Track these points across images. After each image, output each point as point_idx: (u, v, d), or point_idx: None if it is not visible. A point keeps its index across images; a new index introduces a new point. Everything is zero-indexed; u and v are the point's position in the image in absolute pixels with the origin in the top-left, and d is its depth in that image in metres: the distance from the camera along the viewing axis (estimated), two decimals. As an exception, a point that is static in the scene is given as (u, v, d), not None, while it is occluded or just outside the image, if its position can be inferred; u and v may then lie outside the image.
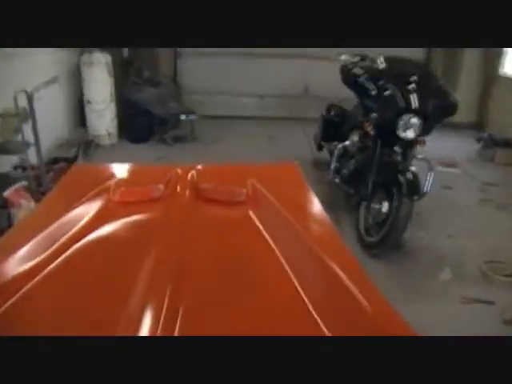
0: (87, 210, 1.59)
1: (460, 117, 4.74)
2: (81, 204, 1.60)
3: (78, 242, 1.41)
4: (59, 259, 1.32)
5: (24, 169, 3.97)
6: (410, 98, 3.68)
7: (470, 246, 4.04)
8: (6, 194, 3.52)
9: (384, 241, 3.66)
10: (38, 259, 1.28)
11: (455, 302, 3.29)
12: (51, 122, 5.23)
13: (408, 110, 3.67)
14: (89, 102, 6.30)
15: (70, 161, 4.87)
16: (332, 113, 5.32)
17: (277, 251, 1.38)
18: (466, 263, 3.79)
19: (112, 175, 1.90)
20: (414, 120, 3.66)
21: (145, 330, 0.97)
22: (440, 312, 3.15)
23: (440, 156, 5.81)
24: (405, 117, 3.66)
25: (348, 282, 1.14)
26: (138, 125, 6.53)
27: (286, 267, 1.30)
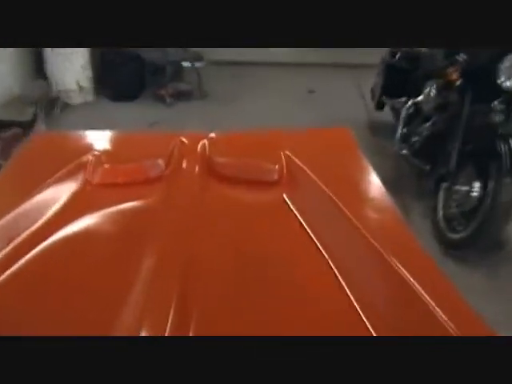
0: (56, 196, 1.60)
1: None
2: (46, 188, 1.62)
3: (42, 241, 1.42)
4: (18, 263, 1.32)
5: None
6: None
7: None
8: None
9: (474, 238, 3.63)
10: None
11: None
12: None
13: None
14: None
15: (25, 126, 4.89)
16: (398, 56, 5.26)
17: (321, 249, 1.39)
18: None
19: (90, 147, 1.91)
20: None
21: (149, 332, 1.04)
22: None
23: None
24: (510, 57, 3.57)
25: (423, 293, 1.14)
26: (124, 75, 6.55)
27: (336, 272, 1.30)
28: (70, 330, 1.11)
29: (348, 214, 1.44)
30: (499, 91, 3.66)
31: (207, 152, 1.82)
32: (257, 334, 1.11)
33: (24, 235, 1.42)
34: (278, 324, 1.17)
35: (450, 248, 3.82)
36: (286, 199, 1.64)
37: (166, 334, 1.04)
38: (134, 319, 1.10)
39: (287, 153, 1.81)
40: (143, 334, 1.04)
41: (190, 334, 1.09)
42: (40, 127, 5.17)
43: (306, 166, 1.73)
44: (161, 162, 1.76)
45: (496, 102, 3.72)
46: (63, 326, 1.14)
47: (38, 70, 6.43)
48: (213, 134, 1.98)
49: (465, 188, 3.81)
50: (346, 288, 1.25)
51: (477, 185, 3.71)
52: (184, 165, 1.74)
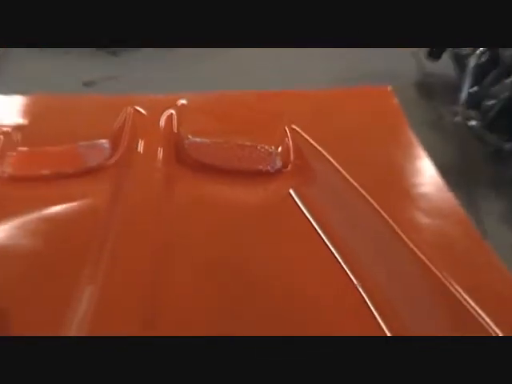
0: None
1: None
2: None
3: None
4: None
5: None
6: None
7: None
8: None
9: None
10: None
11: None
12: None
13: None
14: None
15: None
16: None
17: (346, 268, 1.41)
18: None
19: None
20: None
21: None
22: None
23: None
24: None
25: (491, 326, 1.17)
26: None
27: (367, 299, 1.33)
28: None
29: (383, 214, 1.46)
30: None
31: (175, 127, 1.83)
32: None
33: None
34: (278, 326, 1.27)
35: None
36: (294, 195, 1.65)
37: None
38: None
39: (295, 127, 1.82)
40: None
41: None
42: None
43: (321, 146, 1.74)
44: (105, 142, 1.77)
45: None
46: None
47: None
48: (183, 100, 1.98)
49: None
50: (377, 317, 1.28)
51: None
52: (140, 147, 1.75)
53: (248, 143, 1.80)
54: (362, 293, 1.32)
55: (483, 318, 1.19)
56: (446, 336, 1.18)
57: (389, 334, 1.27)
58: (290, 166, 1.74)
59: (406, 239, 1.38)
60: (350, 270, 1.38)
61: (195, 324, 1.28)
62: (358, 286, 1.33)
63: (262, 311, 1.31)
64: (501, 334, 1.17)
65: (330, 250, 1.45)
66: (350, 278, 1.35)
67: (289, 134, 1.79)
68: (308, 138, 1.76)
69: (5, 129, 1.84)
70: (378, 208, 1.47)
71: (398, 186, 1.69)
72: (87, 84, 5.70)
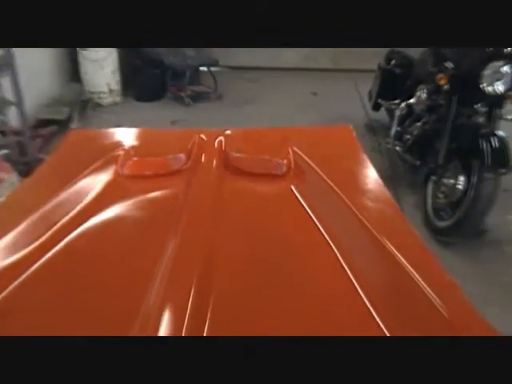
0: (90, 187, 1.61)
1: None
2: (82, 179, 1.62)
3: (79, 226, 1.43)
4: (56, 247, 1.33)
5: (3, 133, 3.98)
6: None
7: None
8: (-19, 165, 3.57)
9: (459, 226, 3.65)
10: (29, 247, 1.30)
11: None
12: (37, 75, 5.23)
13: (498, 55, 3.54)
14: (83, 49, 6.22)
15: (62, 124, 4.90)
16: (393, 62, 5.27)
17: (326, 236, 1.39)
18: None
19: (119, 142, 1.91)
20: (506, 68, 3.52)
21: (166, 331, 0.98)
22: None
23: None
24: (493, 64, 3.54)
25: (417, 276, 1.13)
26: (148, 79, 6.59)
27: (337, 254, 1.31)
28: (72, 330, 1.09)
29: (349, 203, 1.45)
30: (482, 95, 3.66)
31: (223, 147, 1.82)
32: (268, 315, 1.13)
33: (62, 221, 1.43)
34: (287, 304, 1.16)
35: (437, 234, 3.83)
36: (294, 190, 1.64)
37: (187, 312, 1.03)
38: (158, 297, 1.10)
39: (294, 148, 1.81)
40: (165, 313, 1.03)
41: (209, 315, 1.08)
42: (74, 125, 5.18)
43: (311, 160, 1.73)
44: (182, 156, 1.78)
45: (479, 105, 3.78)
46: (64, 325, 1.12)
47: (73, 74, 6.48)
48: (228, 131, 1.97)
49: (451, 181, 3.80)
50: (347, 269, 1.25)
51: (462, 178, 3.71)
52: (203, 159, 1.75)
53: (266, 157, 1.83)
54: (340, 259, 1.30)
55: (403, 262, 1.18)
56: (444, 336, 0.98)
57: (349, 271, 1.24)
58: (291, 172, 1.74)
59: (360, 216, 1.38)
60: (332, 241, 1.36)
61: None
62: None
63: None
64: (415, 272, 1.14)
65: (317, 227, 1.43)
66: (339, 261, 1.29)
67: (290, 152, 1.79)
68: (302, 155, 1.77)
69: (125, 147, 1.84)
70: (345, 199, 1.47)
71: (357, 185, 1.70)
72: (173, 122, 5.72)
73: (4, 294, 1.15)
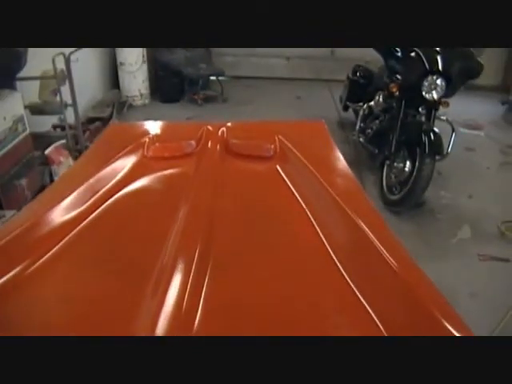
0: (123, 166, 1.61)
1: (485, 79, 4.63)
2: (117, 159, 1.62)
3: (114, 195, 1.46)
4: (99, 209, 1.37)
5: (63, 128, 4.02)
6: (435, 60, 3.65)
7: (490, 206, 4.00)
8: (47, 152, 3.61)
9: (405, 199, 3.67)
10: (77, 210, 1.32)
11: (473, 258, 3.29)
12: (87, 84, 5.28)
13: (433, 71, 3.63)
14: (122, 63, 6.31)
15: (105, 120, 4.91)
16: (358, 74, 5.25)
17: (302, 204, 1.40)
18: (484, 223, 3.76)
19: (146, 132, 1.91)
20: (439, 81, 3.64)
21: (177, 276, 1.00)
22: (458, 268, 3.16)
23: (464, 118, 5.69)
24: (430, 78, 3.64)
25: (371, 235, 1.13)
26: (170, 85, 6.54)
27: (311, 219, 1.32)
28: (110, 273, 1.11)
29: (321, 180, 1.43)
30: (423, 100, 3.75)
31: (225, 136, 1.82)
32: (257, 264, 1.14)
33: (102, 191, 1.45)
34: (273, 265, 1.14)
35: (389, 205, 3.84)
36: (279, 169, 1.64)
37: (195, 257, 1.05)
38: (173, 247, 1.12)
39: (280, 137, 1.79)
40: (179, 258, 1.05)
41: (211, 261, 1.09)
42: (114, 121, 5.18)
43: (292, 146, 1.71)
44: (193, 142, 1.77)
45: (421, 108, 3.85)
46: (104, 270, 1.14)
47: (114, 83, 6.49)
48: (229, 124, 1.95)
49: (400, 165, 3.83)
50: (319, 233, 1.25)
51: (408, 163, 3.74)
52: (209, 144, 1.74)
53: (258, 143, 1.80)
54: (314, 222, 1.30)
55: (361, 223, 1.17)
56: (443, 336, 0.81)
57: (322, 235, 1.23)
58: (277, 155, 1.73)
59: (330, 190, 1.36)
60: (308, 209, 1.37)
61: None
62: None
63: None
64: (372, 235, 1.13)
65: (297, 198, 1.44)
66: (313, 223, 1.30)
67: (276, 140, 1.77)
68: (286, 142, 1.75)
69: (150, 136, 1.82)
70: (319, 177, 1.45)
71: (327, 166, 1.65)
72: (188, 118, 5.69)
73: (62, 242, 1.20)
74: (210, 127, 1.88)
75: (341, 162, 1.68)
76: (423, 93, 3.67)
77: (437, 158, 3.55)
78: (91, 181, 1.46)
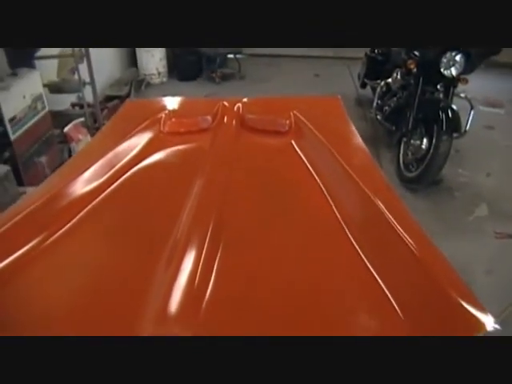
0: (140, 141, 1.63)
1: (507, 56, 4.48)
2: (134, 135, 1.64)
3: (131, 168, 1.48)
4: (116, 183, 1.40)
5: (81, 106, 4.05)
6: None
7: (508, 184, 3.93)
8: (66, 129, 3.66)
9: (422, 176, 3.63)
10: (94, 184, 1.35)
11: (489, 236, 3.26)
12: (105, 62, 5.28)
13: (452, 47, 3.54)
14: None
15: (123, 98, 4.92)
16: (376, 51, 5.17)
17: (317, 179, 1.40)
18: (502, 201, 3.71)
19: (162, 108, 1.92)
20: (458, 57, 3.56)
21: (191, 250, 1.02)
22: (474, 245, 3.13)
23: (484, 96, 5.57)
24: (448, 54, 3.56)
25: (385, 210, 1.12)
26: (187, 64, 6.52)
27: (326, 193, 1.32)
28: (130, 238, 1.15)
29: (338, 157, 1.41)
30: (441, 77, 3.68)
31: (241, 111, 1.82)
32: (270, 237, 1.14)
33: (120, 164, 1.47)
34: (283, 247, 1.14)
35: (406, 182, 3.81)
36: (294, 144, 1.63)
37: (210, 228, 1.06)
38: (188, 217, 1.14)
39: (295, 112, 1.79)
40: (194, 229, 1.07)
41: (224, 233, 1.10)
42: (132, 99, 5.19)
43: (307, 121, 1.71)
44: (209, 117, 1.78)
45: (439, 85, 3.78)
46: (145, 217, 1.22)
47: (131, 61, 6.48)
48: (245, 99, 1.96)
49: (417, 142, 3.77)
50: (333, 207, 1.26)
51: (425, 141, 3.68)
52: (225, 120, 1.75)
53: (273, 118, 1.80)
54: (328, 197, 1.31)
55: (375, 198, 1.16)
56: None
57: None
58: (291, 130, 1.73)
59: (344, 165, 1.36)
60: (322, 184, 1.37)
61: None
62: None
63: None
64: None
65: (311, 173, 1.44)
66: (327, 198, 1.30)
67: (291, 115, 1.78)
68: (301, 117, 1.75)
69: (166, 111, 1.83)
70: (333, 151, 1.44)
71: (342, 141, 1.64)
72: (206, 96, 5.66)
73: (80, 215, 1.24)
74: (225, 103, 1.88)
75: (356, 137, 1.67)
76: (441, 69, 3.59)
77: (454, 135, 3.49)
78: (108, 155, 1.48)
